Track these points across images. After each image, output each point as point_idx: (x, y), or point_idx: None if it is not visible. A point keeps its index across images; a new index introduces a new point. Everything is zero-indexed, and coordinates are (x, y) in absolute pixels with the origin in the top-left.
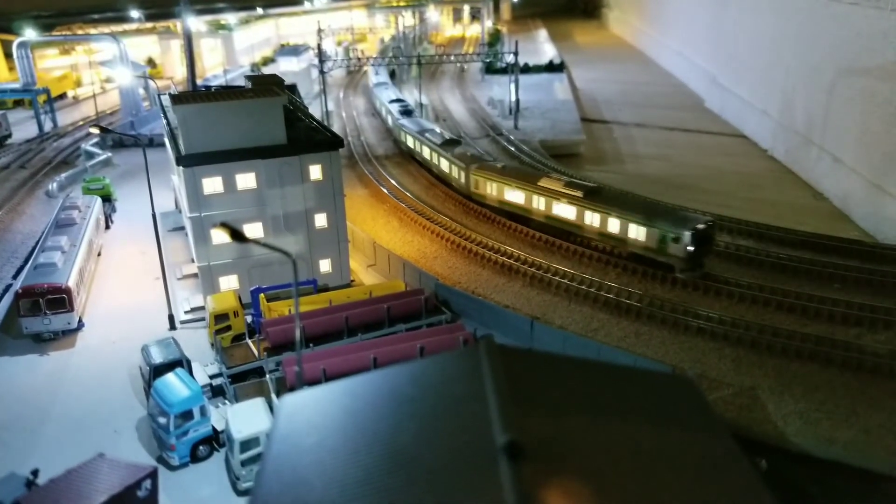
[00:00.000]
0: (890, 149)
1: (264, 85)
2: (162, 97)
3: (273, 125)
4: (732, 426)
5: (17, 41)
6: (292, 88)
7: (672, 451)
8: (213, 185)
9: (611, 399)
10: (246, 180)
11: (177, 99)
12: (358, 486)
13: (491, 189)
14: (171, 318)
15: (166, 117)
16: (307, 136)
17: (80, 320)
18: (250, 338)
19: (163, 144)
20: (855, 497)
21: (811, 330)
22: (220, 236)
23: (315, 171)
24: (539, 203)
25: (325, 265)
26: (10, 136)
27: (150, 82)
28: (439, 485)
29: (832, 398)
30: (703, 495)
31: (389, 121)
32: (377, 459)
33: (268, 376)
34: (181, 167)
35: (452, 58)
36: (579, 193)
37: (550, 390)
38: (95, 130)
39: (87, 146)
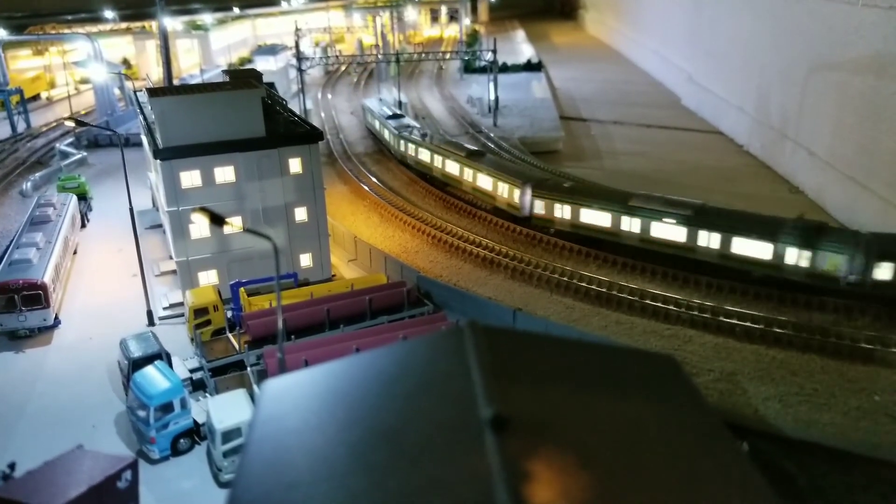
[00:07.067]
0: (863, 141)
1: (242, 78)
2: (139, 93)
3: (251, 118)
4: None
5: None
6: (270, 87)
7: (656, 424)
8: (191, 178)
9: (594, 374)
10: (224, 173)
11: (154, 92)
12: (343, 464)
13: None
14: (149, 314)
15: (143, 113)
16: (286, 129)
17: (56, 317)
18: (230, 332)
19: (139, 144)
20: (834, 478)
21: (789, 317)
22: (198, 230)
23: (294, 165)
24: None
25: (305, 259)
26: None
27: (126, 81)
28: (425, 458)
29: (810, 382)
30: (688, 466)
31: (387, 134)
32: (362, 437)
33: (249, 369)
34: (159, 160)
35: (431, 56)
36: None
37: (535, 366)
38: (70, 123)
39: (61, 146)
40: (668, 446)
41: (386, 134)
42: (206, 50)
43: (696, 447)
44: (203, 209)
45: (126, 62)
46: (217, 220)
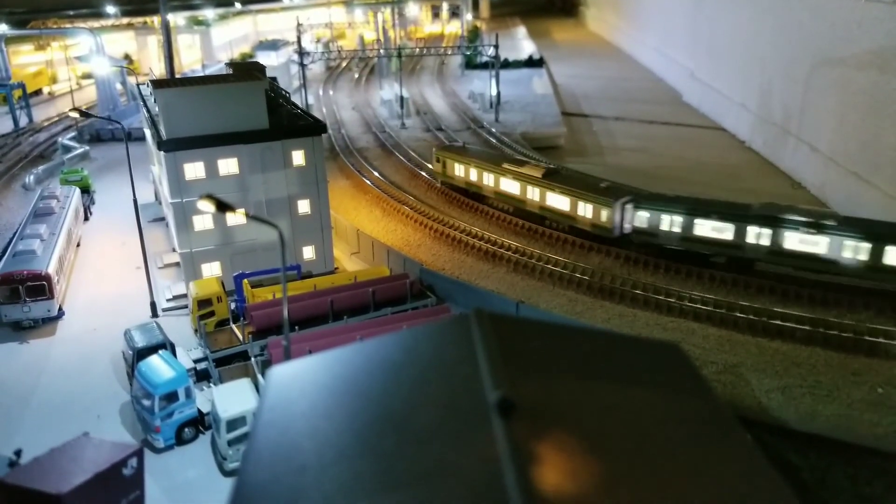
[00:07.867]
0: (865, 137)
1: (245, 71)
2: (142, 87)
3: (255, 110)
4: None
5: None
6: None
7: (662, 410)
8: (194, 170)
9: (599, 361)
10: (228, 165)
11: (158, 84)
12: (352, 448)
13: None
14: (153, 305)
15: (146, 105)
16: (289, 122)
17: (60, 309)
18: (234, 323)
19: (141, 138)
20: (838, 470)
21: (791, 309)
22: (202, 222)
23: (297, 157)
24: None
25: (308, 252)
26: None
27: (128, 76)
28: (433, 442)
29: (813, 374)
30: (695, 451)
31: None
32: (369, 422)
33: (253, 360)
34: (162, 152)
35: (433, 51)
36: None
37: (541, 353)
38: (75, 114)
39: (63, 140)
40: (675, 431)
41: (566, 206)
42: (208, 45)
43: (702, 432)
44: (209, 196)
45: (127, 57)
46: (223, 207)
